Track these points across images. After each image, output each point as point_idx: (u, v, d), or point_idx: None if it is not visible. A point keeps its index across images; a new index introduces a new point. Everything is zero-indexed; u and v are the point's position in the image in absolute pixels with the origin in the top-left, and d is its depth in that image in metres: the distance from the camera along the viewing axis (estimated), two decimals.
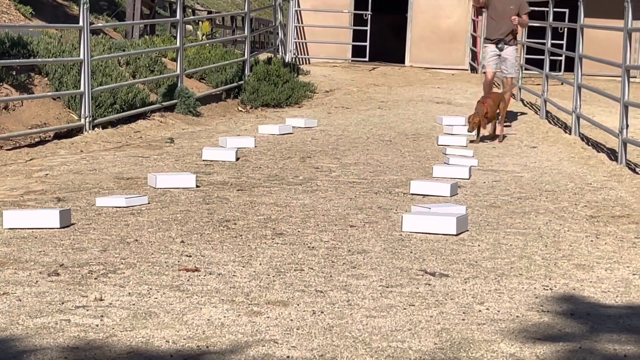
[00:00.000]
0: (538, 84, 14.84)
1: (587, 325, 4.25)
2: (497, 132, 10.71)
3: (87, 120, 10.08)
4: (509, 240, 5.87)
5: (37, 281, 4.72)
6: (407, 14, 19.90)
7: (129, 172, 8.08)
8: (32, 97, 10.16)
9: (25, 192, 7.16)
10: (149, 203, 6.75)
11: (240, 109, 13.24)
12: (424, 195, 7.30)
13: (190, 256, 5.29)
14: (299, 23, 19.28)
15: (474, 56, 18.93)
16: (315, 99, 14.27)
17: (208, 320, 4.17)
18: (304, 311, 4.32)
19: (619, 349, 3.93)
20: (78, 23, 10.18)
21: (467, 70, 19.38)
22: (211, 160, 8.78)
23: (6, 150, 9.13)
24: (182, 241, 5.64)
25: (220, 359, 3.69)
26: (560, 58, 17.86)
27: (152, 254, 5.32)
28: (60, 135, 9.86)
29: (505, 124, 11.09)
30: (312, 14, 19.36)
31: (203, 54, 14.06)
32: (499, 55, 11.70)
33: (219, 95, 13.37)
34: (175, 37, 12.86)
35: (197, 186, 7.43)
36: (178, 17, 12.36)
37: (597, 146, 10.29)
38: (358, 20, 19.79)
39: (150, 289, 4.63)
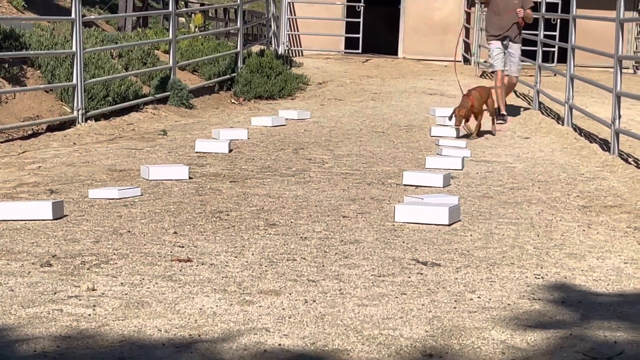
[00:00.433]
0: (531, 75, 14.85)
1: (578, 312, 4.27)
2: (491, 129, 10.39)
3: (80, 112, 10.07)
4: (501, 230, 5.89)
5: (29, 272, 4.73)
6: (400, 5, 19.90)
7: (121, 164, 8.07)
8: (24, 90, 10.15)
9: (18, 184, 7.16)
10: (141, 195, 6.75)
11: (233, 101, 13.24)
12: (417, 186, 7.32)
13: (182, 247, 5.29)
14: (291, 15, 19.27)
15: (467, 48, 18.94)
16: (308, 91, 14.27)
17: (200, 309, 4.18)
18: (296, 300, 4.34)
19: (610, 336, 3.95)
20: (70, 15, 10.16)
21: (460, 61, 19.38)
22: (204, 152, 8.78)
23: None
24: (175, 232, 5.64)
25: (212, 347, 3.71)
26: (553, 49, 17.88)
27: (145, 244, 5.33)
28: (53, 127, 9.85)
29: (498, 121, 10.82)
30: (304, 5, 19.35)
31: (196, 46, 14.05)
32: (505, 51, 11.46)
33: (211, 87, 13.36)
34: (167, 30, 12.84)
35: (190, 178, 7.43)
36: (171, 9, 12.34)
37: (590, 137, 10.32)
38: (351, 12, 19.77)
39: (143, 279, 4.64)
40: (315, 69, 16.76)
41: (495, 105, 10.97)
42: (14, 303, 4.21)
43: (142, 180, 7.32)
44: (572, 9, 11.44)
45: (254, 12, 25.47)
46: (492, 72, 11.85)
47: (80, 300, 4.27)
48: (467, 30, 18.93)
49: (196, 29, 17.00)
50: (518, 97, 14.07)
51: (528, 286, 4.67)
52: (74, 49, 10.07)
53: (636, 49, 19.71)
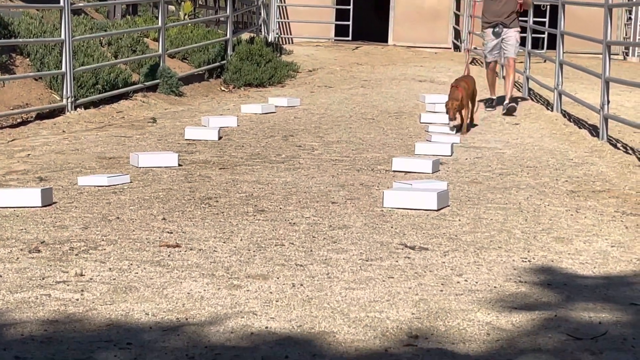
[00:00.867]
0: (521, 62, 14.86)
1: (564, 294, 4.29)
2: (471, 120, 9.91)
3: (69, 100, 10.06)
4: (489, 215, 5.91)
5: (17, 258, 4.73)
6: None
7: (111, 152, 8.07)
8: (13, 78, 10.12)
9: (8, 172, 7.15)
10: (131, 182, 6.75)
11: (222, 88, 13.23)
12: (406, 172, 7.34)
13: (171, 233, 5.30)
14: (281, 2, 19.24)
15: (457, 34, 18.94)
16: (298, 78, 14.27)
17: (188, 293, 4.19)
18: (284, 284, 4.36)
19: (594, 317, 3.98)
20: (59, 3, 10.13)
21: (450, 48, 19.40)
22: (194, 140, 8.78)
23: None
24: (164, 218, 5.65)
25: (199, 330, 3.72)
26: (543, 36, 17.90)
27: (134, 230, 5.34)
28: (42, 115, 9.84)
29: (511, 103, 10.50)
30: None
31: (185, 33, 14.02)
32: (499, 40, 11.02)
33: (201, 75, 13.35)
34: (157, 17, 12.82)
35: (179, 165, 7.43)
36: None
37: (579, 122, 10.35)
38: None
39: (131, 264, 4.65)
40: (305, 56, 16.76)
41: (491, 95, 10.86)
42: (2, 288, 4.21)
43: (132, 168, 7.32)
44: None
45: (244, 0, 25.39)
46: (488, 62, 11.44)
47: (68, 285, 4.28)
48: (457, 17, 18.94)
49: (186, 17, 16.96)
50: (502, 78, 14.06)
51: (515, 269, 4.70)
52: (63, 36, 10.05)
53: (625, 35, 19.75)
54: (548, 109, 11.39)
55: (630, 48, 19.15)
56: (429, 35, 19.25)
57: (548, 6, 16.60)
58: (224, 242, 5.11)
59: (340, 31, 19.71)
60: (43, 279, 4.38)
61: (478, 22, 15.89)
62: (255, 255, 4.85)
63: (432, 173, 7.36)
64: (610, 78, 9.17)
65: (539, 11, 15.71)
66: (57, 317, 3.85)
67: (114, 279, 4.38)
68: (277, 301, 4.10)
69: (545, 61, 15.29)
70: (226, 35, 14.34)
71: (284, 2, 19.36)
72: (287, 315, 3.92)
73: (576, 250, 5.12)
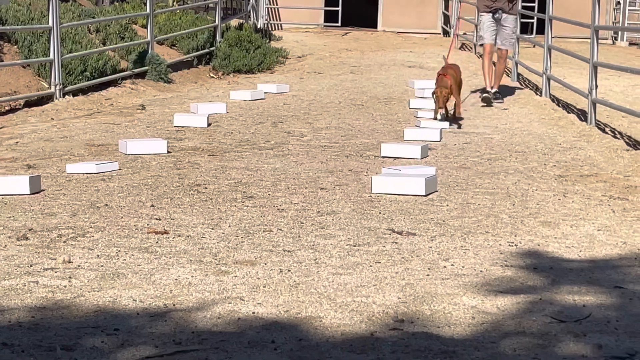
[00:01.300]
0: None
1: (549, 278, 4.32)
2: (457, 113, 9.36)
3: (58, 88, 10.04)
4: (477, 200, 5.93)
5: (5, 245, 4.74)
6: None
7: (99, 139, 8.07)
8: (1, 66, 10.09)
9: None
10: (119, 169, 6.75)
11: (211, 75, 13.21)
12: (395, 158, 7.35)
13: (159, 219, 5.31)
14: None
15: (446, 20, 18.93)
16: (287, 65, 14.26)
17: (176, 279, 4.21)
18: (271, 270, 4.37)
19: (579, 300, 4.01)
20: None
21: (439, 34, 19.40)
22: (182, 127, 8.78)
23: None
24: (152, 205, 5.66)
25: (186, 316, 3.74)
26: (532, 20, 17.90)
27: (122, 217, 5.35)
28: (30, 103, 9.81)
29: (498, 101, 10.24)
30: None
31: (174, 20, 13.99)
32: (497, 25, 10.61)
33: (190, 61, 13.32)
34: (145, 4, 12.77)
35: (168, 152, 7.43)
36: None
37: (568, 107, 10.37)
38: None
39: (119, 251, 4.66)
40: (295, 42, 16.74)
41: (489, 84, 10.48)
42: None
43: (120, 155, 7.32)
44: None
45: None
46: (481, 44, 10.99)
47: (56, 272, 4.29)
48: (446, 3, 18.92)
49: (174, 3, 16.91)
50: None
51: (501, 254, 4.73)
52: (50, 24, 10.01)
53: (614, 19, 19.77)
54: (537, 94, 11.41)
55: (619, 32, 19.18)
56: (418, 20, 19.24)
57: None
58: (212, 229, 5.12)
59: (330, 17, 19.68)
60: (31, 266, 4.39)
61: (467, 8, 15.91)
62: (244, 242, 4.87)
63: (421, 158, 7.38)
64: (598, 63, 9.19)
65: None
66: (44, 303, 3.86)
67: (102, 266, 4.39)
68: (264, 287, 4.12)
69: (534, 46, 15.30)
70: (215, 21, 14.31)
71: None
72: (274, 300, 3.94)
73: (563, 234, 5.15)
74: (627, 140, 8.31)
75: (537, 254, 4.75)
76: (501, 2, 10.58)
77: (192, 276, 4.26)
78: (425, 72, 13.33)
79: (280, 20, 19.51)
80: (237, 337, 3.52)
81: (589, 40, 9.53)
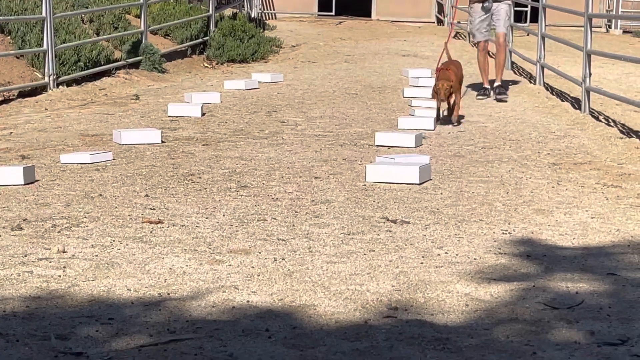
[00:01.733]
0: None
1: (543, 265, 4.34)
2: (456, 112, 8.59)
3: (51, 78, 10.02)
4: (471, 188, 5.95)
5: (0, 235, 4.74)
6: None
7: (94, 129, 8.06)
8: None
9: None
10: (114, 159, 6.75)
11: (206, 64, 13.19)
12: (389, 147, 7.36)
13: (154, 209, 5.32)
14: None
15: (440, 9, 18.92)
16: (281, 54, 14.24)
17: (170, 269, 4.22)
18: (265, 258, 4.38)
19: (572, 287, 4.03)
20: None
21: (433, 23, 19.39)
22: (177, 116, 8.77)
23: None
24: (147, 195, 5.66)
25: (180, 305, 3.75)
26: (525, 9, 17.89)
27: (116, 207, 5.35)
28: (24, 93, 9.80)
29: (499, 96, 9.82)
30: None
31: (167, 9, 13.96)
32: (488, 16, 10.02)
33: (184, 51, 13.30)
34: None
35: (162, 142, 7.43)
36: None
37: (561, 95, 10.38)
38: None
39: (114, 240, 4.66)
40: (289, 31, 16.71)
41: (486, 81, 10.13)
42: None
43: (115, 145, 7.32)
44: None
45: None
46: (476, 43, 10.56)
47: (50, 262, 4.29)
48: None
49: None
50: (491, 57, 14.08)
51: (495, 241, 4.74)
52: (44, 14, 9.99)
53: (608, 7, 19.77)
54: (531, 82, 11.42)
55: (613, 20, 19.18)
56: (412, 9, 19.23)
57: None
58: (207, 218, 5.13)
59: (324, 6, 19.66)
60: (25, 256, 4.39)
61: None
62: (238, 231, 4.87)
63: (415, 147, 7.38)
64: (592, 51, 9.20)
65: None
66: (39, 293, 3.87)
67: (96, 256, 4.40)
68: (258, 275, 4.13)
69: (528, 34, 15.30)
70: (209, 11, 14.28)
71: None
72: (268, 289, 3.95)
73: (556, 222, 5.16)
74: (620, 128, 8.32)
75: (531, 241, 4.76)
76: None
77: (187, 265, 4.27)
78: (420, 61, 13.33)
79: (274, 9, 19.48)
80: (232, 326, 3.53)
81: (582, 29, 9.54)
